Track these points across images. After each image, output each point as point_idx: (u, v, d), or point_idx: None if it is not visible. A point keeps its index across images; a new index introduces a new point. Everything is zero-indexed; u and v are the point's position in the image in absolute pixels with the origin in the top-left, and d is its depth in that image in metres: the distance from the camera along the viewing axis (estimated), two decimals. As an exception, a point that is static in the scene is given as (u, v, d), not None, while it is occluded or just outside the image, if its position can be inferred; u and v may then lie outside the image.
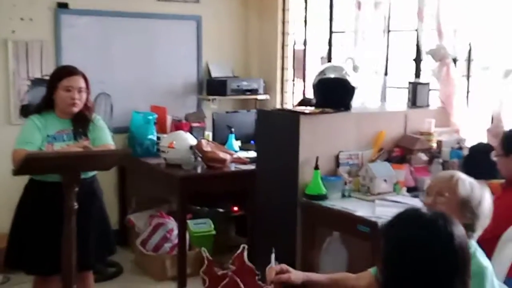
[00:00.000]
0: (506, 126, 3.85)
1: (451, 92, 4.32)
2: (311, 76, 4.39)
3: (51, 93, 3.34)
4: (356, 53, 4.94)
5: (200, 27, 5.79)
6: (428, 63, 4.52)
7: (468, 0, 4.17)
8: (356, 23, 4.92)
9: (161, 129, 5.22)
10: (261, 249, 3.73)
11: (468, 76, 4.41)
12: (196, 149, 4.60)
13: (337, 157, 3.91)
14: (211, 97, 5.80)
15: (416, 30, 4.54)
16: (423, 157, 4.03)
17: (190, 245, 4.79)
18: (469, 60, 4.38)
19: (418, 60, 4.67)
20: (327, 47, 5.48)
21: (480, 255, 2.24)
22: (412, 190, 3.84)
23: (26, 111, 4.60)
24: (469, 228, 2.24)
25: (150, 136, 5.07)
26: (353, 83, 4.06)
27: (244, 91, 5.71)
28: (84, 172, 3.24)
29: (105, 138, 3.45)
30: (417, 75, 4.68)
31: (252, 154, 4.76)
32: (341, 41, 5.42)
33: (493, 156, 3.20)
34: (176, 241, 4.70)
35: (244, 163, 4.80)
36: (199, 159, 4.58)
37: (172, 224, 4.87)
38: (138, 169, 5.20)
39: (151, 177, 5.16)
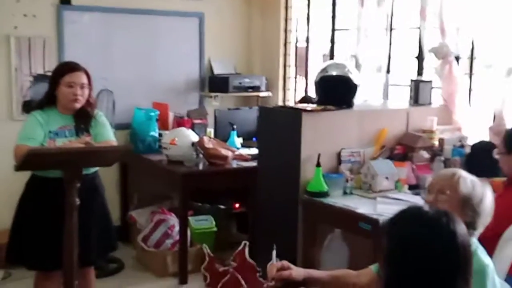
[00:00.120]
0: (508, 124, 3.85)
1: (454, 90, 4.32)
2: (313, 73, 4.38)
3: (53, 89, 3.34)
4: (359, 50, 4.93)
5: (203, 24, 5.79)
6: (430, 61, 4.51)
7: (471, -2, 4.17)
8: (358, 20, 4.92)
9: (163, 125, 5.22)
10: (262, 246, 3.74)
11: (470, 74, 4.40)
12: (198, 146, 4.61)
13: (339, 155, 3.91)
14: (213, 94, 5.79)
15: (419, 28, 4.53)
16: (425, 155, 4.03)
17: (192, 241, 4.79)
18: (471, 58, 4.37)
19: (420, 58, 4.66)
20: (330, 45, 5.48)
21: (481, 253, 2.24)
22: (414, 188, 3.84)
23: (28, 107, 4.60)
24: (470, 226, 2.24)
25: (152, 133, 5.08)
26: (355, 81, 4.06)
27: (246, 88, 5.71)
28: (86, 168, 3.24)
29: (107, 134, 3.45)
30: (420, 73, 4.67)
31: (254, 151, 4.76)
32: (343, 39, 5.41)
33: (495, 154, 3.19)
34: (177, 237, 4.70)
35: (246, 160, 4.80)
36: (201, 156, 4.59)
37: (173, 220, 4.87)
38: (140, 166, 5.20)
39: (153, 173, 5.16)
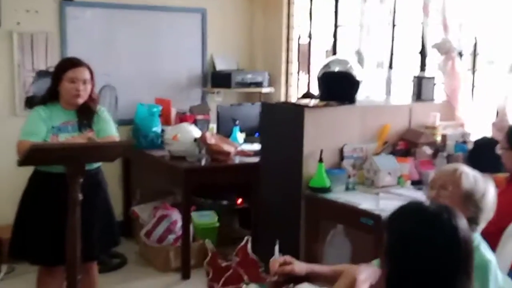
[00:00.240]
0: (511, 120, 3.84)
1: (456, 86, 4.31)
2: (316, 69, 4.38)
3: (56, 84, 3.34)
4: (361, 46, 4.93)
5: (205, 20, 5.79)
6: (433, 57, 4.51)
7: (474, -6, 4.16)
8: (361, 16, 4.91)
9: (166, 121, 5.23)
10: (265, 241, 3.74)
11: (473, 70, 4.40)
12: (200, 142, 4.61)
13: (341, 150, 3.92)
14: (215, 90, 5.80)
15: (422, 23, 4.52)
16: (428, 150, 4.03)
17: (194, 236, 4.81)
18: (474, 54, 4.37)
19: (423, 53, 4.66)
20: (332, 41, 5.47)
21: (484, 248, 2.25)
22: (417, 184, 3.84)
23: (31, 102, 4.61)
24: (473, 221, 2.24)
25: (154, 129, 5.08)
26: (357, 77, 4.06)
27: (248, 84, 5.70)
28: (89, 163, 3.24)
29: (109, 130, 3.45)
30: (422, 68, 4.67)
31: (256, 146, 4.77)
32: (346, 35, 5.41)
33: (498, 150, 3.20)
34: (180, 232, 4.71)
35: (248, 155, 4.81)
36: (203, 151, 4.59)
37: (176, 216, 4.88)
38: (142, 161, 5.21)
39: (155, 169, 5.17)
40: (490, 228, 2.37)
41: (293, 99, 5.73)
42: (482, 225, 2.30)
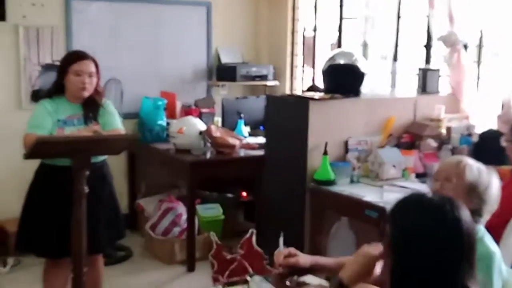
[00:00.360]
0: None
1: (462, 79, 4.31)
2: (321, 62, 4.38)
3: (62, 78, 3.35)
4: (366, 39, 4.92)
5: (210, 13, 5.78)
6: (438, 49, 4.50)
7: (479, -14, 4.14)
8: (366, 9, 4.90)
9: (171, 114, 5.24)
10: (269, 234, 3.75)
11: (478, 63, 4.39)
12: (205, 135, 4.62)
13: (346, 143, 3.92)
14: (220, 83, 5.80)
15: (427, 16, 4.51)
16: (432, 143, 4.03)
17: (199, 229, 4.82)
18: (480, 47, 4.36)
19: (428, 46, 4.65)
20: (337, 34, 5.46)
21: (488, 240, 2.25)
22: (421, 176, 3.85)
23: (37, 96, 4.63)
24: (477, 213, 2.24)
25: (159, 122, 5.09)
26: (362, 69, 4.05)
27: (253, 77, 5.70)
28: (94, 156, 3.26)
29: (115, 123, 3.46)
30: (427, 61, 4.66)
31: (261, 139, 4.77)
32: (351, 28, 5.40)
33: (503, 142, 3.19)
34: (185, 225, 4.73)
35: (253, 148, 4.81)
36: (209, 144, 4.60)
37: (181, 208, 4.89)
38: (147, 155, 5.22)
39: (160, 162, 5.18)
40: (494, 220, 2.37)
41: (298, 92, 5.72)
42: (486, 217, 2.29)
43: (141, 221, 5.24)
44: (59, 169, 3.25)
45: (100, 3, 5.26)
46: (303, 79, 5.93)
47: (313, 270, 2.32)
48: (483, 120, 4.20)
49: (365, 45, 4.94)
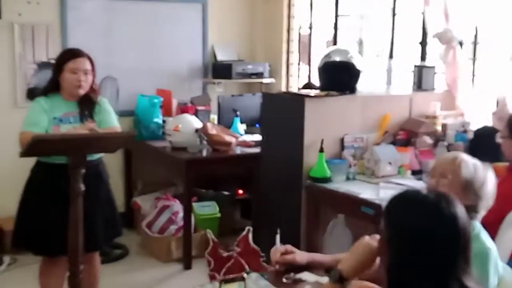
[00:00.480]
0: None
1: (457, 76, 4.31)
2: (317, 60, 4.38)
3: (57, 75, 3.35)
4: (362, 36, 4.93)
5: (206, 10, 5.78)
6: (434, 47, 4.50)
7: (475, -17, 4.15)
8: (362, 6, 4.90)
9: (167, 112, 5.23)
10: (266, 231, 3.76)
11: (474, 60, 4.40)
12: (201, 132, 4.62)
13: (342, 140, 3.92)
14: (216, 81, 5.80)
15: (422, 13, 4.52)
16: (428, 140, 4.03)
17: (195, 227, 4.82)
18: (475, 44, 4.37)
19: (424, 43, 4.66)
20: (333, 31, 5.47)
21: (484, 236, 2.25)
22: (417, 173, 3.85)
23: (32, 94, 4.62)
24: (472, 209, 2.25)
25: (155, 120, 5.09)
26: (358, 66, 4.06)
27: (249, 75, 5.71)
28: (90, 154, 3.25)
29: (111, 121, 3.46)
30: (423, 58, 4.67)
31: (257, 137, 4.77)
32: (346, 25, 5.40)
33: (498, 138, 3.20)
34: (181, 223, 4.73)
35: (249, 146, 4.81)
36: (205, 142, 4.60)
37: (177, 206, 4.89)
38: (144, 152, 5.22)
39: (156, 160, 5.18)
40: (490, 217, 2.37)
41: (293, 89, 5.73)
42: (482, 213, 2.30)
43: (138, 219, 5.23)
44: (55, 167, 3.24)
45: (96, 0, 5.25)
46: (299, 76, 5.93)
47: (309, 267, 2.33)
48: (478, 117, 4.21)
49: (360, 43, 4.95)
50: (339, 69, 4.05)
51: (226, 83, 5.84)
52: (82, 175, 3.04)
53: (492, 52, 4.21)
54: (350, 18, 5.32)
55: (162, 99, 5.20)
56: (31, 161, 3.39)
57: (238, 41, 6.01)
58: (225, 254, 3.68)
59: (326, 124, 3.84)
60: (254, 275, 2.30)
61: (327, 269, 1.94)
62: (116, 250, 4.84)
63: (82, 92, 3.34)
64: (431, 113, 4.19)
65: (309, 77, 5.75)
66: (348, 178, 3.78)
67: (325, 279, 2.20)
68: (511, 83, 3.97)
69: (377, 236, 1.83)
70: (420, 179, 3.72)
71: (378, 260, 1.84)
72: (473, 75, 4.39)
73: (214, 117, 5.33)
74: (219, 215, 5.08)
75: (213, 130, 4.67)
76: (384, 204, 3.22)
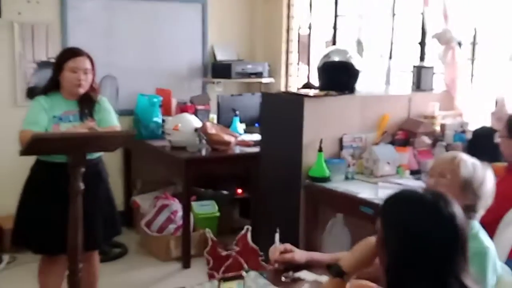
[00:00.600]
0: (510, 110, 3.85)
1: (456, 76, 4.32)
2: (316, 60, 4.39)
3: (57, 74, 3.35)
4: (361, 36, 4.93)
5: (206, 10, 5.79)
6: (433, 47, 4.51)
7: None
8: (361, 6, 4.91)
9: (166, 111, 5.24)
10: (265, 230, 3.76)
11: (472, 60, 4.40)
12: (201, 132, 4.63)
13: (340, 140, 3.93)
14: (216, 80, 5.81)
15: (421, 13, 4.53)
16: (427, 140, 4.04)
17: (194, 226, 4.83)
18: (474, 44, 4.37)
19: (422, 43, 4.66)
20: (332, 31, 5.47)
21: (482, 236, 2.26)
22: (415, 173, 3.85)
23: (32, 93, 4.62)
24: (471, 209, 2.25)
25: (155, 119, 5.09)
26: (357, 66, 4.06)
27: (249, 74, 5.71)
28: (90, 153, 3.26)
29: (110, 120, 3.46)
30: (422, 58, 4.67)
31: (257, 136, 4.78)
32: (346, 25, 5.41)
33: (497, 137, 3.20)
34: (180, 222, 4.74)
35: (249, 145, 4.82)
36: (204, 141, 4.61)
37: (176, 205, 4.90)
38: (143, 152, 5.22)
39: (156, 159, 5.19)
40: (489, 217, 2.38)
41: (293, 89, 5.73)
42: (480, 212, 2.31)
43: (137, 218, 5.24)
44: (55, 166, 3.25)
45: (96, 0, 5.25)
46: (298, 76, 5.94)
47: (308, 266, 2.33)
48: (477, 117, 4.22)
49: (359, 43, 4.95)
50: (338, 69, 4.05)
51: (226, 83, 5.84)
52: (82, 174, 3.05)
53: (491, 52, 4.21)
54: (349, 18, 5.32)
55: (161, 98, 5.20)
56: (31, 160, 3.39)
57: (238, 41, 6.02)
58: (224, 253, 3.68)
59: (325, 124, 3.84)
60: (253, 273, 2.30)
61: (328, 265, 1.94)
62: (115, 249, 4.85)
63: (82, 91, 3.35)
64: (429, 113, 4.20)
65: (308, 77, 5.76)
66: (347, 178, 3.79)
67: (323, 278, 2.21)
68: (509, 83, 3.98)
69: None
70: (418, 179, 3.73)
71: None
72: (472, 76, 4.40)
73: (213, 116, 5.33)
74: (218, 214, 5.09)
75: (212, 129, 4.68)
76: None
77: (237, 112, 5.23)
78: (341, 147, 3.93)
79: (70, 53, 3.39)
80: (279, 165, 4.02)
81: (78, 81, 3.31)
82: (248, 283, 2.16)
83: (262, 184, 4.21)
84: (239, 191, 5.40)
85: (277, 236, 2.42)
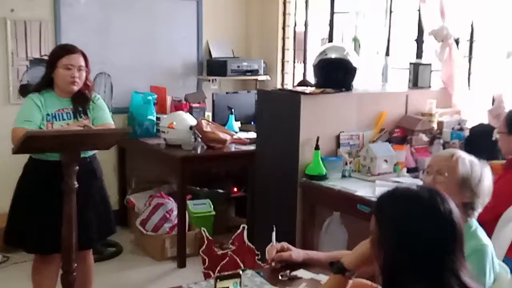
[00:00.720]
0: (508, 107, 3.84)
1: (453, 73, 4.31)
2: (312, 57, 4.36)
3: (51, 72, 3.32)
4: (358, 33, 4.91)
5: (201, 7, 5.75)
6: (430, 44, 4.49)
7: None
8: (358, 3, 4.89)
9: (161, 109, 5.21)
10: (261, 229, 3.74)
11: (470, 57, 4.39)
12: (196, 130, 4.60)
13: (337, 138, 3.91)
14: (211, 78, 5.78)
15: (418, 10, 4.50)
16: (424, 138, 4.03)
17: (190, 225, 4.80)
18: (471, 41, 4.36)
19: (420, 40, 4.64)
20: (329, 28, 5.45)
21: (480, 233, 2.25)
22: (413, 171, 3.84)
23: (25, 91, 4.57)
24: (469, 206, 2.24)
25: (150, 117, 5.06)
26: (354, 64, 4.04)
27: (244, 72, 5.68)
28: (84, 151, 3.23)
29: (105, 118, 3.43)
30: (419, 55, 4.65)
31: (252, 134, 4.76)
32: (342, 22, 5.38)
33: (495, 134, 3.19)
34: (175, 221, 4.71)
35: (244, 143, 4.80)
36: (199, 139, 4.58)
37: (171, 204, 4.87)
38: (137, 150, 5.19)
39: (150, 157, 5.16)
40: (487, 214, 2.36)
41: (289, 87, 5.71)
42: (478, 210, 2.29)
43: (131, 217, 5.21)
44: (48, 164, 3.22)
45: (89, -4, 5.22)
46: (294, 74, 5.92)
47: (305, 264, 2.31)
48: (475, 115, 4.20)
49: (356, 40, 4.92)
50: (335, 66, 4.03)
51: (221, 80, 5.82)
52: (76, 172, 3.01)
53: (488, 49, 4.20)
54: (346, 15, 5.29)
55: (156, 96, 5.17)
56: (24, 158, 3.36)
57: (233, 38, 5.99)
58: (219, 252, 3.65)
59: (322, 121, 3.82)
60: (249, 272, 2.28)
61: (331, 262, 1.93)
62: (110, 248, 4.81)
63: (75, 88, 3.31)
64: (427, 110, 4.18)
65: (304, 74, 5.73)
66: (343, 176, 3.77)
67: (320, 277, 2.20)
68: (507, 80, 3.96)
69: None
70: (416, 176, 3.71)
71: None
72: (469, 73, 4.39)
73: (208, 114, 5.30)
74: (213, 213, 5.06)
75: (207, 127, 4.65)
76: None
77: (233, 110, 5.20)
78: (338, 144, 3.91)
79: (63, 50, 3.36)
80: (275, 163, 4.00)
81: (71, 79, 3.27)
82: (245, 282, 2.14)
83: (258, 182, 4.19)
84: (235, 189, 5.37)
85: (273, 234, 2.40)
